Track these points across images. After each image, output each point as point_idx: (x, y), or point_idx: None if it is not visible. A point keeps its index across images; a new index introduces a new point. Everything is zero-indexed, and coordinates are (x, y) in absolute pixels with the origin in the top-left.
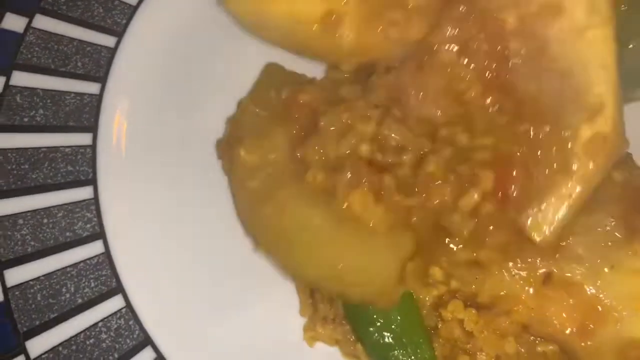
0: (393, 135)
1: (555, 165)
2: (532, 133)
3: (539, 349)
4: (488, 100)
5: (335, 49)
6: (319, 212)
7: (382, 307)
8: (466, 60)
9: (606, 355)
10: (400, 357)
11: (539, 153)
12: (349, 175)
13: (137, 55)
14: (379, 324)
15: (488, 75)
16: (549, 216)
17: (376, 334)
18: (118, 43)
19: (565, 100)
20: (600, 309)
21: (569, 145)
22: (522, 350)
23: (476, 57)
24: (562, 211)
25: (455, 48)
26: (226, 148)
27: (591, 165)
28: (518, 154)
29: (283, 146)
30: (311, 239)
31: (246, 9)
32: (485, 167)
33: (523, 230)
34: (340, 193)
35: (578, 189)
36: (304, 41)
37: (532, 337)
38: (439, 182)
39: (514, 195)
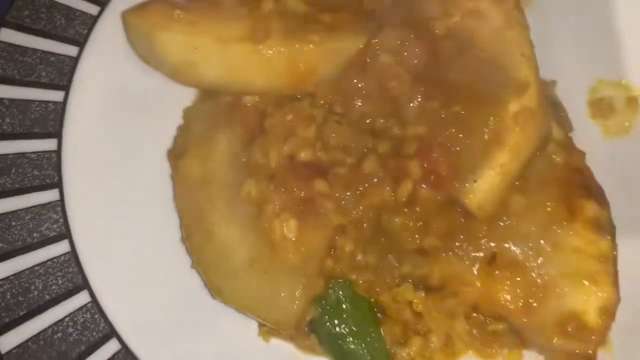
0: (334, 135)
1: (487, 137)
2: (463, 113)
3: (489, 328)
4: (418, 92)
5: (266, 66)
6: (242, 242)
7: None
8: (400, 60)
9: (548, 329)
10: (351, 345)
11: (469, 131)
12: (275, 200)
13: (99, 64)
14: (330, 315)
15: (419, 70)
16: (483, 185)
17: (328, 325)
18: (80, 52)
19: (495, 84)
20: (542, 286)
21: (499, 119)
22: (474, 330)
23: (409, 57)
24: (495, 179)
25: (392, 51)
26: (173, 158)
27: (520, 135)
28: (452, 131)
29: (224, 153)
30: (229, 270)
31: (142, 47)
32: (412, 157)
33: (459, 201)
34: (264, 221)
35: (509, 157)
36: (235, 65)
37: (482, 317)
38: (376, 180)
39: (447, 174)
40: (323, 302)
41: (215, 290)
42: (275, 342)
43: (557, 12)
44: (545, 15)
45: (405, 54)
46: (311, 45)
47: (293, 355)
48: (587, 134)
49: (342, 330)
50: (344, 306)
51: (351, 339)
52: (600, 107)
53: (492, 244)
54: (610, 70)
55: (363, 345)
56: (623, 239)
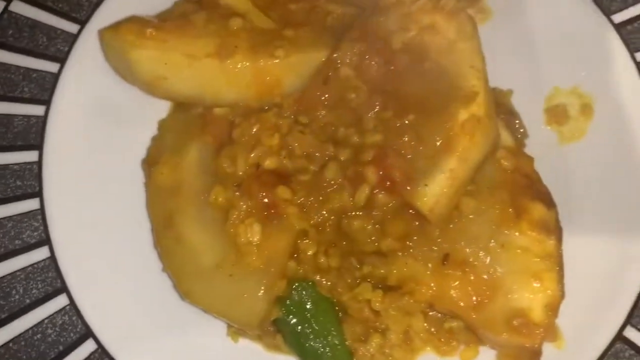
0: (297, 144)
1: (437, 144)
2: (416, 122)
3: (445, 325)
4: (375, 103)
5: (233, 79)
6: (209, 247)
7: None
8: (359, 73)
9: (496, 325)
10: (313, 343)
11: (422, 138)
12: (241, 207)
13: (78, 80)
14: (293, 315)
15: (375, 81)
16: (433, 189)
17: (292, 324)
18: (61, 69)
19: (445, 95)
20: (491, 284)
21: (449, 127)
22: (432, 328)
23: (367, 70)
24: (445, 183)
25: (351, 64)
26: (146, 167)
27: (468, 142)
28: (406, 139)
29: (194, 161)
30: (197, 273)
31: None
32: (369, 164)
33: (414, 205)
34: (229, 226)
35: (457, 163)
36: (204, 79)
37: (439, 315)
38: (336, 186)
39: (400, 180)
40: (287, 302)
41: (184, 293)
42: (243, 342)
43: (514, 24)
44: (503, 27)
45: (364, 67)
46: (276, 60)
47: (261, 355)
48: (543, 140)
49: (305, 330)
50: (307, 306)
51: (313, 337)
52: (556, 114)
53: (445, 245)
54: (566, 79)
55: (325, 343)
56: (575, 239)
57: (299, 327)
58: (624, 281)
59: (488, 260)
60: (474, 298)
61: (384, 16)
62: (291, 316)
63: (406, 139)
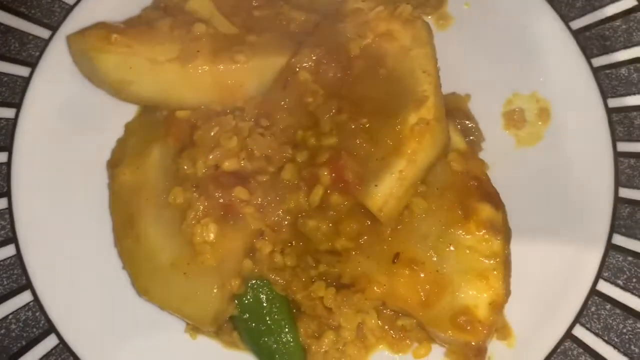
0: (256, 146)
1: (388, 148)
2: (369, 125)
3: (398, 322)
4: (332, 106)
5: (195, 83)
6: (166, 246)
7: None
8: (316, 77)
9: (442, 322)
10: (267, 340)
11: (375, 141)
12: (198, 207)
13: (48, 83)
14: (248, 312)
15: (332, 86)
16: (383, 190)
17: (247, 322)
18: (32, 73)
19: (398, 99)
20: (439, 282)
21: (399, 130)
22: (386, 326)
23: (325, 75)
24: (394, 184)
25: (309, 69)
26: (110, 168)
27: (417, 144)
28: (359, 142)
29: (156, 163)
30: (153, 271)
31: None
32: (323, 166)
33: (365, 205)
34: (186, 225)
35: (406, 164)
36: (167, 83)
37: (392, 312)
38: (292, 187)
39: (352, 180)
40: (243, 300)
41: (142, 290)
42: (202, 338)
43: (475, 30)
44: (464, 33)
45: (321, 71)
46: (237, 64)
47: (218, 351)
48: (500, 143)
49: (260, 327)
50: (262, 304)
51: (267, 334)
52: (513, 118)
53: (395, 244)
54: (524, 84)
55: (278, 339)
56: (526, 240)
57: (254, 324)
58: (575, 281)
59: (436, 259)
60: (423, 296)
61: (343, 23)
62: (246, 314)
63: (359, 141)
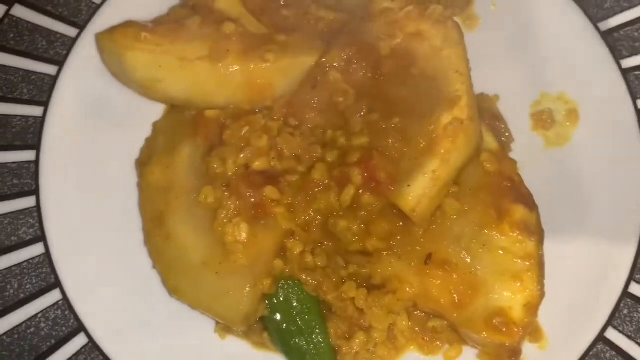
0: (286, 146)
1: (421, 148)
2: (401, 124)
3: (429, 324)
4: (362, 106)
5: (225, 82)
6: (197, 245)
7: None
8: (347, 77)
9: (476, 324)
10: (298, 341)
11: (407, 141)
12: (229, 206)
13: (76, 82)
14: (279, 312)
15: (362, 86)
16: (416, 190)
17: (277, 322)
18: (59, 71)
19: (430, 99)
20: (473, 283)
21: (432, 130)
22: (416, 327)
23: (355, 74)
24: (427, 184)
25: (339, 69)
26: (139, 167)
27: (450, 144)
28: (391, 142)
29: (186, 162)
30: (185, 270)
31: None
32: (354, 165)
33: (397, 205)
34: (218, 225)
35: (440, 165)
36: (196, 82)
37: (423, 314)
38: (322, 187)
39: (384, 180)
40: (273, 300)
41: (172, 289)
42: (231, 339)
43: (502, 31)
44: (491, 34)
45: (352, 71)
46: (267, 64)
47: (248, 352)
48: (529, 144)
49: (290, 327)
50: (292, 304)
51: (298, 335)
52: (542, 119)
53: (428, 245)
54: (552, 85)
55: (309, 340)
56: (558, 242)
57: (284, 325)
58: (607, 283)
59: (470, 260)
60: (456, 297)
61: (372, 22)
62: (277, 314)
63: (391, 141)
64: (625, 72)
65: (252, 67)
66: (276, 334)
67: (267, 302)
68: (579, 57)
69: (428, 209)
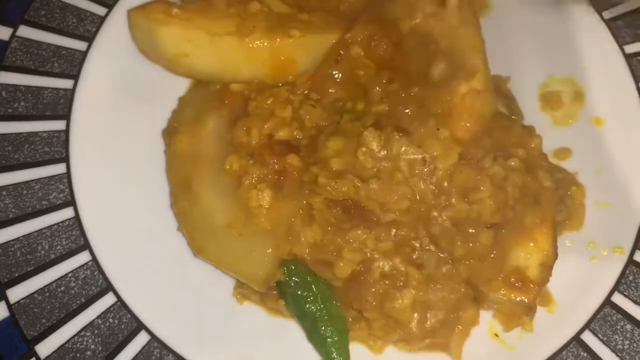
0: (308, 117)
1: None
2: (420, 93)
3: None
4: (383, 78)
5: (251, 56)
6: (222, 208)
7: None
8: (368, 52)
9: (496, 282)
10: (312, 307)
11: (425, 109)
12: (254, 173)
13: (105, 57)
14: (295, 277)
15: (383, 61)
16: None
17: (292, 287)
18: (89, 47)
19: (448, 71)
20: None
21: (450, 99)
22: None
23: (376, 50)
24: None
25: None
26: (166, 136)
27: (467, 113)
28: (408, 112)
29: (211, 132)
30: (210, 232)
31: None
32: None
33: None
34: (242, 191)
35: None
36: (224, 56)
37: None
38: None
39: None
40: (292, 266)
41: (197, 250)
42: (247, 305)
43: (513, 16)
44: (503, 21)
45: (373, 46)
46: (291, 40)
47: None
48: (537, 123)
49: (305, 293)
50: (309, 272)
51: (312, 300)
52: (550, 100)
53: None
54: (561, 68)
55: (322, 307)
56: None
57: (299, 291)
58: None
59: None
60: None
61: (393, 3)
62: (293, 279)
63: (410, 110)
64: (629, 57)
65: (278, 41)
66: (291, 299)
67: (285, 268)
68: (584, 42)
69: None
